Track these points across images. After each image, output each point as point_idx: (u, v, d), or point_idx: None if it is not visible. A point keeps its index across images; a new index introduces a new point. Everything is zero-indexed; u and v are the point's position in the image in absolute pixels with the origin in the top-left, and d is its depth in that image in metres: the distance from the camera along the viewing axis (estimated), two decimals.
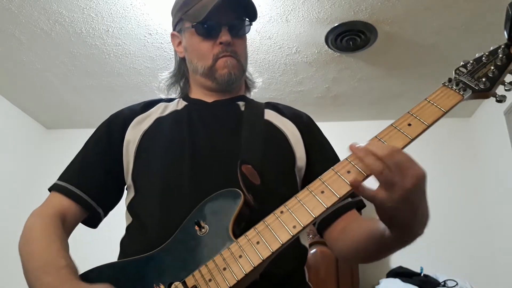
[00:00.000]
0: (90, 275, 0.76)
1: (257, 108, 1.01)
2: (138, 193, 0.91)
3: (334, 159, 0.97)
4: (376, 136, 0.67)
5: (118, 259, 0.86)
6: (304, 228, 0.64)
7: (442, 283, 2.47)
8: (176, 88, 1.11)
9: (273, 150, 0.91)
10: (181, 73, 1.10)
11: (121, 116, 1.01)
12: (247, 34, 1.04)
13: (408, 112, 0.67)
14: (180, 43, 1.06)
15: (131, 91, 2.88)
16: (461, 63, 0.73)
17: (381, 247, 0.73)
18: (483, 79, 0.70)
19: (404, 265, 2.69)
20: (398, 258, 2.78)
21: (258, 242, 0.65)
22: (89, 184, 0.93)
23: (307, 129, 1.01)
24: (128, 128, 0.97)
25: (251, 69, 1.10)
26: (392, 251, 0.73)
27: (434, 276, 2.57)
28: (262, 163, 0.85)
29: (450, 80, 0.71)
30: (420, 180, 0.59)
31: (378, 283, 2.62)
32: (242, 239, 0.67)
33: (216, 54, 0.96)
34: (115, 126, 0.99)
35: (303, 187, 0.92)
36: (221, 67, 0.97)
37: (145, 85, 2.81)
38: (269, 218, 0.67)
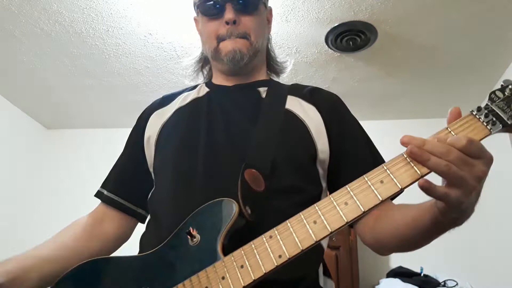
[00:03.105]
0: (86, 266, 0.78)
1: (279, 96, 0.93)
2: (156, 187, 0.91)
3: (361, 148, 0.89)
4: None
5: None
6: (289, 259, 0.60)
7: (442, 283, 2.47)
8: (202, 74, 1.09)
9: (290, 144, 0.84)
10: (204, 59, 1.07)
11: (143, 115, 1.02)
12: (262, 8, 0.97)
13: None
14: None
15: (131, 91, 2.88)
16: (501, 84, 0.61)
17: (430, 234, 0.68)
18: None
19: (404, 265, 2.69)
20: (398, 258, 2.78)
21: (242, 266, 0.62)
22: (126, 189, 0.98)
23: (333, 115, 0.91)
24: (147, 124, 0.97)
25: (277, 51, 1.04)
26: (440, 235, 0.68)
27: (434, 276, 2.57)
28: (272, 163, 0.79)
29: (479, 109, 0.59)
30: (490, 165, 0.55)
31: (378, 283, 2.62)
32: (228, 259, 0.65)
33: (220, 35, 0.92)
34: (139, 125, 1.00)
35: (328, 178, 0.88)
36: (225, 46, 0.92)
37: (145, 85, 2.80)
38: (257, 241, 0.63)
